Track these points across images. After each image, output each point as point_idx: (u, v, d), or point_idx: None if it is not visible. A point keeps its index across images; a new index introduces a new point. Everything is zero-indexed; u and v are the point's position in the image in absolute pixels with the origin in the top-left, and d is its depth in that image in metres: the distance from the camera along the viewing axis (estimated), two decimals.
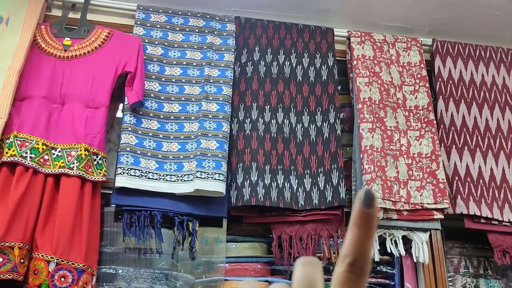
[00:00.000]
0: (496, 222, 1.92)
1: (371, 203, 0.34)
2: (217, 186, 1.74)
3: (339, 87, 2.22)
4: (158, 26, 2.03)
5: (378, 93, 2.03)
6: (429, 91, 2.09)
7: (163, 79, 1.94)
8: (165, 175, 1.78)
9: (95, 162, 1.72)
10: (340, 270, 0.34)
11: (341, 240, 1.81)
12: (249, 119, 1.93)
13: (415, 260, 1.85)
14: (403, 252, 1.83)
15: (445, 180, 1.91)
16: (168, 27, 2.03)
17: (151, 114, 1.87)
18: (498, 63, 2.21)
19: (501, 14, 2.16)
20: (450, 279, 1.96)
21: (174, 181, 1.78)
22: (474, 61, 2.20)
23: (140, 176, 1.75)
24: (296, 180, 1.86)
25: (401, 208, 1.85)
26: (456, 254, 2.01)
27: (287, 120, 1.96)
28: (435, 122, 2.02)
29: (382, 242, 1.87)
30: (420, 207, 1.86)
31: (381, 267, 1.89)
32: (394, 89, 2.07)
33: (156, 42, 1.99)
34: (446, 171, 1.98)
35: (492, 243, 1.90)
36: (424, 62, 2.15)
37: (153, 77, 1.93)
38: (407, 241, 1.89)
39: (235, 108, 1.95)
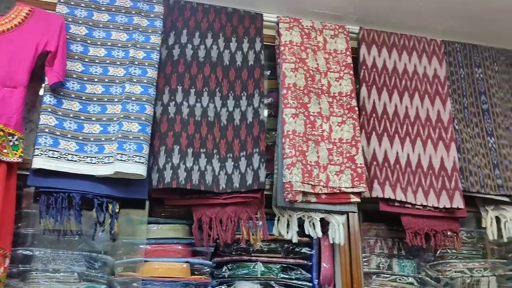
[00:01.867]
0: (410, 206, 2.02)
1: None
2: (138, 169, 1.75)
3: (268, 72, 2.26)
4: (83, 5, 1.99)
5: (303, 79, 2.07)
6: (353, 78, 2.15)
7: (86, 60, 1.91)
8: (85, 157, 1.77)
9: (11, 143, 1.69)
10: None
11: (260, 222, 1.86)
12: (173, 102, 1.94)
13: (331, 242, 1.93)
14: (320, 234, 1.90)
15: (363, 165, 1.98)
16: (93, 6, 2.00)
17: (73, 95, 1.84)
18: (421, 53, 2.29)
19: (425, 5, 2.23)
20: (365, 259, 2.05)
21: (95, 163, 1.77)
22: (398, 50, 2.27)
23: (59, 157, 1.74)
24: (219, 164, 1.89)
25: (320, 192, 1.91)
26: (373, 235, 2.11)
27: (212, 104, 1.98)
28: (357, 108, 2.09)
29: (301, 224, 1.93)
30: (338, 191, 1.93)
31: (300, 248, 1.96)
32: (320, 76, 2.12)
33: (80, 22, 1.96)
34: (365, 156, 2.05)
35: (404, 225, 2.00)
36: (350, 49, 2.21)
37: (76, 57, 1.90)
38: (326, 224, 1.96)
39: (160, 91, 1.95)
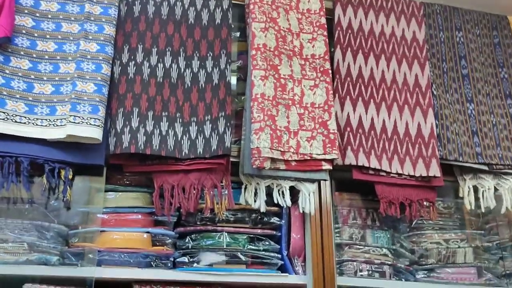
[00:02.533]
0: (384, 174, 1.92)
1: None
2: (92, 132, 1.62)
3: (238, 34, 2.12)
4: None
5: (274, 39, 1.95)
6: (327, 40, 2.03)
7: (37, 14, 1.76)
8: (35, 119, 1.64)
9: None
10: None
11: (225, 190, 1.75)
12: (133, 62, 1.80)
13: (301, 211, 1.83)
14: (289, 203, 1.80)
15: (336, 131, 1.87)
16: None
17: (22, 53, 1.70)
18: (399, 14, 2.18)
19: None
20: (338, 230, 1.96)
21: (46, 125, 1.64)
22: (375, 11, 2.16)
23: (5, 119, 1.60)
24: (182, 128, 1.77)
25: (290, 158, 1.80)
26: (346, 205, 2.02)
27: (175, 64, 1.84)
28: (330, 71, 1.97)
29: (270, 193, 1.82)
30: (309, 158, 1.83)
31: (268, 218, 1.86)
32: (291, 36, 1.99)
33: None
34: (339, 122, 1.94)
35: (378, 194, 1.91)
36: (324, 9, 2.08)
37: (26, 11, 1.75)
38: (297, 192, 1.86)
39: (118, 49, 1.81)
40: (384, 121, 1.99)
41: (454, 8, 2.28)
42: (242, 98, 1.97)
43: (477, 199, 2.02)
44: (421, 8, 2.22)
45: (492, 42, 2.27)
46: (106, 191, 1.75)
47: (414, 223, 2.05)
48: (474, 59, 2.20)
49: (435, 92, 2.07)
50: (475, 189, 2.03)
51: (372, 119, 1.98)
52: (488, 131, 2.08)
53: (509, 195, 2.00)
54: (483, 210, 2.02)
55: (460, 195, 2.02)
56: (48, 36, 1.75)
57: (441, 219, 2.08)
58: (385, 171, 1.92)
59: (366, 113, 1.98)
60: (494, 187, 2.02)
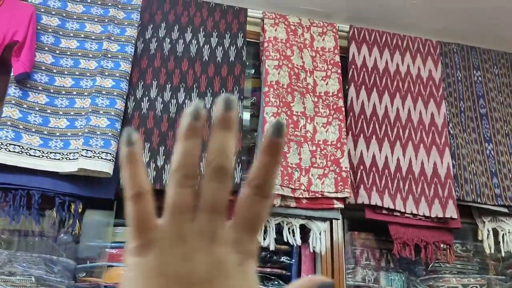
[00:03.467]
0: (398, 214, 1.87)
1: (280, 133, 0.34)
2: (103, 166, 1.64)
3: (252, 71, 2.14)
4: None
5: (287, 77, 1.96)
6: (341, 77, 2.03)
7: (57, 52, 1.82)
8: (49, 153, 1.67)
9: None
10: (246, 192, 0.35)
11: None
12: (147, 98, 1.83)
13: (311, 250, 1.79)
14: (299, 242, 1.77)
15: (348, 169, 1.85)
16: None
17: (40, 88, 1.75)
18: (415, 53, 2.17)
19: (417, 3, 2.12)
20: (350, 270, 1.90)
21: (59, 159, 1.67)
22: (390, 49, 2.15)
23: (20, 152, 1.63)
24: None
25: (301, 196, 1.78)
26: (360, 245, 1.96)
27: (188, 100, 1.87)
28: (343, 109, 1.96)
29: (280, 231, 1.79)
30: (320, 196, 1.80)
31: (278, 257, 1.82)
32: (305, 74, 2.00)
33: (53, 12, 1.87)
34: (352, 160, 1.92)
35: (392, 235, 1.85)
36: (339, 48, 2.09)
37: (46, 48, 1.81)
38: (308, 231, 1.83)
39: (133, 85, 1.84)
40: (398, 160, 1.95)
41: (472, 47, 2.25)
42: (255, 134, 1.97)
43: (497, 242, 1.95)
44: (438, 47, 2.20)
45: (511, 81, 2.22)
46: (115, 225, 1.75)
47: (430, 266, 1.98)
48: (493, 98, 2.16)
49: (451, 131, 2.03)
50: (495, 232, 1.96)
51: (386, 158, 1.95)
52: (508, 172, 2.02)
53: None
54: (503, 254, 1.94)
55: (479, 238, 1.95)
56: (66, 72, 1.80)
57: (459, 262, 2.00)
58: (399, 211, 1.87)
59: (380, 152, 1.95)
60: None
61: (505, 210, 1.95)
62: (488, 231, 1.95)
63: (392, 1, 2.14)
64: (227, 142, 0.34)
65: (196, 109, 0.35)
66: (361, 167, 1.91)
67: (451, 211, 1.87)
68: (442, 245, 1.89)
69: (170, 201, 0.35)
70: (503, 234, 1.94)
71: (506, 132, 2.10)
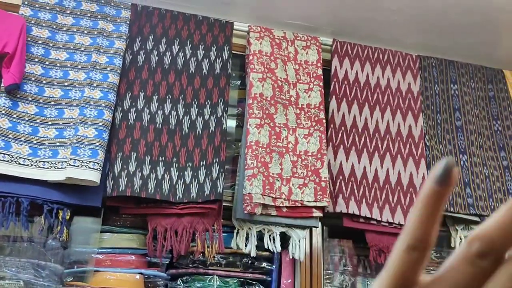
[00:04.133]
0: (375, 222, 1.95)
1: (447, 179, 0.29)
2: (91, 175, 1.70)
3: (238, 82, 2.21)
4: (47, 7, 1.96)
5: (271, 89, 2.03)
6: (323, 90, 2.10)
7: (47, 63, 1.88)
8: (38, 162, 1.73)
9: None
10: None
11: (217, 234, 1.80)
12: (134, 109, 1.90)
13: (290, 257, 1.86)
14: (279, 248, 1.84)
15: (327, 179, 1.92)
16: (58, 9, 1.97)
17: (30, 98, 1.81)
18: (395, 67, 2.25)
19: (399, 18, 2.20)
20: (329, 276, 1.98)
21: (47, 168, 1.73)
22: (372, 63, 2.23)
23: (10, 161, 1.69)
24: (177, 173, 1.84)
25: (281, 205, 1.86)
26: (338, 252, 2.04)
27: (174, 111, 1.93)
28: (324, 121, 2.04)
29: (262, 238, 1.87)
30: (300, 205, 1.88)
31: (259, 262, 1.90)
32: (288, 86, 2.07)
33: (43, 24, 1.93)
34: (332, 170, 2.00)
35: (368, 242, 1.93)
36: (321, 61, 2.16)
37: (36, 60, 1.87)
38: (288, 238, 1.90)
39: (121, 96, 1.91)
40: (376, 170, 2.03)
41: (450, 61, 2.34)
42: (239, 144, 2.04)
43: None
44: (417, 61, 2.29)
45: (487, 95, 2.31)
46: (102, 232, 1.81)
47: None
48: (468, 111, 2.24)
49: (428, 143, 2.12)
50: None
51: (365, 168, 2.03)
52: (481, 182, 2.10)
53: None
54: None
55: (452, 245, 2.03)
56: (55, 83, 1.86)
57: (433, 268, 2.08)
58: (375, 219, 1.95)
59: (359, 162, 2.03)
60: None
61: (477, 219, 2.03)
62: (461, 238, 2.03)
63: (374, 16, 2.21)
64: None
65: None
66: (340, 177, 1.99)
67: None
68: None
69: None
70: None
71: (480, 144, 2.19)
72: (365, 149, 2.06)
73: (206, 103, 1.97)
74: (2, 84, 1.76)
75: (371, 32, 2.29)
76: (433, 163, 2.08)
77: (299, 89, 2.09)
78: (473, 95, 2.29)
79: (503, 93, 2.32)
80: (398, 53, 2.28)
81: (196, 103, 1.97)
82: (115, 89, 1.88)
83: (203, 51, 2.06)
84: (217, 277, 1.83)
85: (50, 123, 1.80)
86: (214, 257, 1.80)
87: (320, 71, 2.13)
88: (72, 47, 1.93)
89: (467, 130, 2.20)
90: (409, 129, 2.13)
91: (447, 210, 2.01)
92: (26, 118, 1.77)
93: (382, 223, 1.96)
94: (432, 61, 2.32)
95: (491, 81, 2.34)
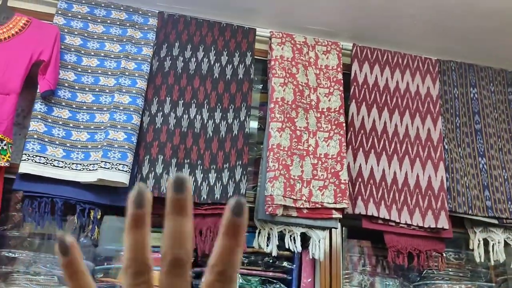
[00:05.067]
0: (393, 224, 2.00)
1: (240, 212, 0.32)
2: (120, 177, 1.79)
3: (260, 86, 2.28)
4: (80, 16, 2.06)
5: (292, 93, 2.09)
6: (343, 94, 2.16)
7: (79, 69, 1.98)
8: (71, 164, 1.83)
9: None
10: (209, 279, 0.33)
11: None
12: (161, 113, 1.98)
13: (311, 257, 1.93)
14: (299, 249, 1.91)
15: (347, 181, 1.98)
16: (89, 18, 2.07)
17: (63, 103, 1.91)
18: (414, 71, 2.29)
19: (417, 23, 2.24)
20: (348, 276, 2.04)
21: (80, 169, 1.83)
22: (391, 67, 2.27)
23: (45, 163, 1.79)
24: (202, 175, 1.92)
25: (302, 206, 1.92)
26: (357, 252, 2.10)
27: (199, 115, 2.01)
28: (344, 124, 2.09)
29: (283, 238, 1.94)
30: (320, 206, 1.94)
31: (280, 262, 1.97)
32: (309, 91, 2.13)
33: (76, 32, 2.03)
34: (351, 172, 2.05)
35: (387, 243, 1.99)
36: (341, 66, 2.22)
37: (69, 66, 1.97)
38: (308, 238, 1.97)
39: (148, 101, 2.00)
40: (395, 173, 2.08)
41: (470, 65, 2.37)
42: (261, 146, 2.12)
43: (487, 251, 2.07)
44: (437, 65, 2.32)
45: (506, 98, 2.33)
46: None
47: (424, 272, 2.11)
48: (488, 114, 2.27)
49: (446, 146, 2.15)
50: (486, 242, 2.08)
51: (384, 171, 2.08)
52: (500, 185, 2.13)
53: None
54: (492, 263, 2.06)
55: (470, 247, 2.07)
56: (87, 89, 1.95)
57: (451, 270, 2.12)
58: (394, 221, 2.00)
59: (378, 165, 2.08)
60: (505, 240, 2.07)
61: (495, 221, 2.07)
62: (479, 240, 2.07)
63: (394, 21, 2.25)
64: (181, 230, 0.33)
65: (139, 196, 0.33)
66: (360, 179, 2.04)
67: (443, 222, 2.00)
68: (434, 253, 2.02)
69: None
70: (493, 244, 2.06)
71: (500, 147, 2.22)
72: (384, 152, 2.11)
73: (230, 107, 2.05)
74: (38, 90, 1.87)
75: (390, 37, 2.33)
76: (452, 166, 2.12)
77: (319, 93, 2.14)
78: (492, 98, 2.32)
79: None
80: (417, 57, 2.32)
81: (220, 107, 2.04)
82: (143, 94, 1.96)
83: (227, 57, 2.13)
84: (239, 276, 1.91)
85: (82, 127, 1.89)
86: None
87: (340, 76, 2.19)
88: (102, 54, 2.02)
89: (486, 133, 2.23)
90: (428, 132, 2.17)
91: (466, 212, 2.05)
92: (60, 122, 1.88)
93: (401, 225, 2.00)
94: (452, 64, 2.35)
95: (511, 84, 2.36)
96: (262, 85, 2.29)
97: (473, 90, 2.32)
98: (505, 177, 2.15)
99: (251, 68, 2.13)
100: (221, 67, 2.11)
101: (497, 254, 2.05)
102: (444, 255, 2.04)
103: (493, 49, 2.35)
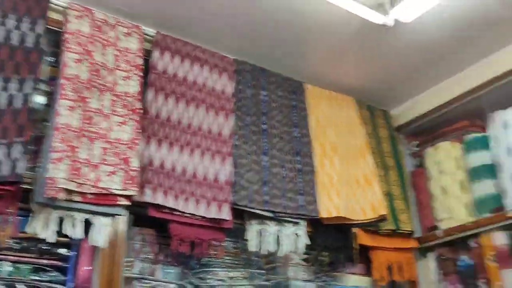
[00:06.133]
0: (179, 213, 2.04)
1: None
2: None
3: (53, 59, 2.10)
4: None
5: (88, 72, 1.97)
6: (142, 80, 2.11)
7: None
8: None
9: None
10: None
11: (11, 218, 1.70)
12: None
13: (91, 244, 1.85)
14: (79, 235, 1.81)
15: (137, 168, 1.95)
16: None
17: None
18: (213, 67, 2.37)
19: (221, 21, 2.31)
20: (129, 263, 2.01)
21: None
22: (191, 60, 2.31)
23: None
24: None
25: (87, 191, 1.83)
26: (140, 240, 2.08)
27: None
28: (140, 111, 2.05)
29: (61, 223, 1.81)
30: (107, 192, 1.87)
31: (56, 248, 1.84)
32: (106, 72, 2.04)
33: None
34: (143, 160, 2.02)
35: (171, 232, 2.01)
36: (143, 51, 2.18)
37: None
38: (91, 225, 1.88)
39: None
40: (185, 163, 2.12)
41: (263, 69, 2.55)
42: (47, 124, 1.94)
43: (262, 241, 2.24)
44: (234, 64, 2.44)
45: (290, 104, 2.57)
46: None
47: (203, 260, 2.19)
48: (274, 117, 2.47)
49: (236, 142, 2.28)
50: (261, 233, 2.25)
51: (175, 161, 2.10)
52: (277, 182, 2.33)
53: (287, 240, 2.27)
54: (265, 252, 2.24)
55: (247, 237, 2.22)
56: None
57: (229, 258, 2.25)
58: (180, 211, 2.04)
59: (170, 154, 2.09)
60: (277, 232, 2.27)
61: (271, 214, 2.26)
62: (255, 232, 2.23)
63: (198, 15, 2.28)
64: None
65: None
66: (150, 167, 2.03)
67: (225, 214, 2.11)
68: (215, 243, 2.11)
69: None
70: (266, 235, 2.25)
71: (280, 147, 2.43)
72: (177, 143, 2.13)
73: (13, 77, 1.83)
74: None
75: (193, 29, 2.36)
76: (239, 161, 2.24)
77: (117, 75, 2.07)
78: (278, 102, 2.53)
79: (302, 103, 2.61)
80: (216, 54, 2.41)
81: (2, 76, 1.82)
82: None
83: (16, 22, 1.91)
84: (8, 263, 1.73)
85: None
86: (6, 241, 1.69)
87: (140, 61, 2.14)
88: None
89: (271, 134, 2.42)
90: (220, 128, 2.26)
91: (246, 205, 2.19)
92: None
93: (186, 215, 2.05)
94: (247, 66, 2.49)
95: (294, 92, 2.62)
96: (55, 59, 2.10)
97: (263, 92, 2.50)
98: (283, 175, 2.37)
99: (42, 37, 1.94)
100: (6, 31, 1.88)
101: (269, 244, 2.24)
102: (224, 244, 2.15)
103: (283, 57, 2.57)
